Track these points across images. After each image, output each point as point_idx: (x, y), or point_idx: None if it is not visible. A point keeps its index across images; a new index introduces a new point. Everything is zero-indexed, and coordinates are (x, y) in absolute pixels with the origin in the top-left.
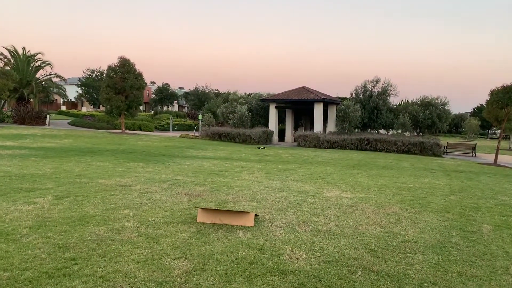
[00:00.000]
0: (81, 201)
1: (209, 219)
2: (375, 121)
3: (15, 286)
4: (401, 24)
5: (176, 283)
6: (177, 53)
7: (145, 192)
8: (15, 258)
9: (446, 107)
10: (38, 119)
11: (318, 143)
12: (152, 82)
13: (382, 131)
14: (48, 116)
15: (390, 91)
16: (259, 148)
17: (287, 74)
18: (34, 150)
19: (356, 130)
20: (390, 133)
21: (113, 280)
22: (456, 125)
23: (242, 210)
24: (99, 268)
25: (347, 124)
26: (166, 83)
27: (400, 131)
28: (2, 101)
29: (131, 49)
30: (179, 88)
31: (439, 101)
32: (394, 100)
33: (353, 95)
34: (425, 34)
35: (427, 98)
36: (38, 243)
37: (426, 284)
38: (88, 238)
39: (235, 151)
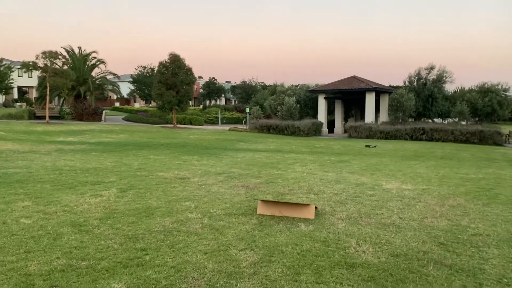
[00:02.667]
0: (144, 193)
1: (269, 211)
2: (430, 110)
3: (94, 275)
4: (453, 5)
5: (245, 274)
6: (223, 47)
7: (203, 184)
8: (90, 248)
9: (507, 94)
10: (94, 115)
11: (371, 134)
12: (200, 77)
13: (437, 120)
14: (104, 112)
15: (446, 78)
16: (368, 146)
17: (336, 64)
18: (93, 145)
19: (410, 120)
20: (446, 122)
21: (184, 270)
22: None
23: (302, 203)
24: (169, 258)
25: (400, 114)
26: (213, 78)
27: (457, 119)
28: (62, 99)
29: (178, 45)
30: (226, 82)
31: (499, 87)
32: (450, 88)
33: (407, 83)
34: (481, 14)
35: (486, 85)
36: (109, 234)
37: (505, 280)
38: (155, 229)
39: (285, 143)
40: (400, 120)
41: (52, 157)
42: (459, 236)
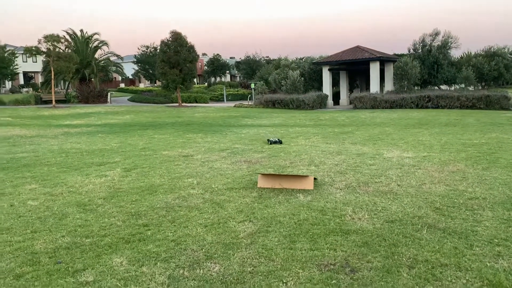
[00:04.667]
0: (148, 172)
1: (269, 184)
2: (436, 77)
3: (97, 251)
4: None
5: (243, 244)
6: (226, 22)
7: (206, 161)
8: (94, 226)
9: None
10: (100, 98)
11: (376, 104)
12: (204, 54)
13: (443, 87)
14: (109, 94)
15: (451, 44)
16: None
17: (339, 34)
18: (99, 127)
19: (416, 88)
20: (453, 88)
21: (184, 243)
22: None
23: (301, 174)
24: (170, 233)
25: (405, 82)
26: (217, 54)
27: (463, 85)
28: (67, 83)
29: (182, 23)
30: (230, 58)
31: (506, 50)
32: (455, 53)
33: (411, 50)
34: None
35: (492, 48)
36: (112, 212)
37: (496, 240)
38: (158, 205)
39: (289, 117)
40: (406, 89)
41: (58, 140)
42: (455, 200)
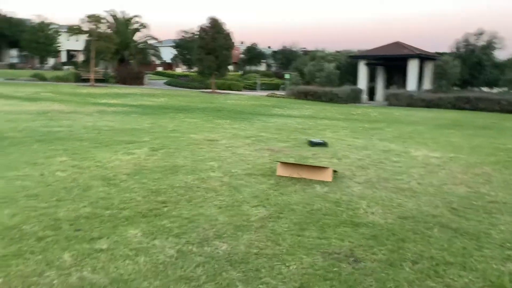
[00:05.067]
0: (173, 153)
1: (288, 173)
2: (477, 78)
3: (115, 222)
4: None
5: (253, 227)
6: (265, 11)
7: (230, 146)
8: (115, 199)
9: None
10: (137, 80)
11: (411, 102)
12: (241, 42)
13: (485, 89)
14: (146, 76)
15: (496, 44)
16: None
17: (380, 31)
18: (134, 107)
19: (455, 88)
20: (494, 91)
21: (196, 221)
22: None
23: (321, 166)
24: (185, 211)
25: (444, 82)
26: (254, 43)
27: (506, 88)
28: (106, 63)
29: (221, 8)
30: (268, 47)
31: None
32: (500, 55)
33: (453, 50)
34: None
35: None
36: (134, 187)
37: (508, 244)
38: (177, 185)
39: (320, 110)
40: (444, 89)
41: (93, 117)
42: (474, 202)
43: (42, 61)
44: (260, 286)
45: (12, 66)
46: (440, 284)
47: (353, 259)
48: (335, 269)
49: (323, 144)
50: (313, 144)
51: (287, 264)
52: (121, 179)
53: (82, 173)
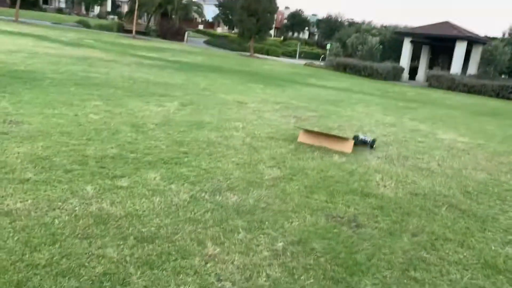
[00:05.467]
0: (201, 110)
1: (309, 140)
2: None
3: (138, 165)
4: None
5: (264, 185)
6: None
7: (257, 110)
8: (141, 145)
9: None
10: (177, 36)
11: (453, 86)
12: (286, 7)
13: None
14: (186, 33)
15: None
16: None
17: (430, 8)
18: (170, 63)
19: (502, 76)
20: None
21: (213, 173)
22: None
23: (343, 136)
24: (204, 163)
25: (491, 68)
26: (300, 9)
27: None
28: (149, 16)
29: None
30: (312, 14)
31: None
32: None
33: (506, 35)
34: None
35: None
36: (160, 136)
37: None
38: (201, 139)
39: (357, 84)
40: (490, 75)
41: (130, 68)
42: (490, 188)
43: (88, 8)
44: (261, 235)
45: (59, 11)
46: (434, 256)
47: (355, 224)
48: (335, 230)
49: (370, 144)
50: (358, 141)
51: (290, 220)
52: (149, 128)
53: (113, 118)
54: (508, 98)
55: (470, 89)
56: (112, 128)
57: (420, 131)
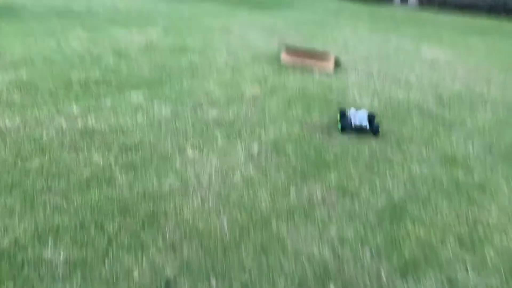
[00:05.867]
0: (185, 36)
1: (292, 60)
2: None
3: (121, 87)
4: None
5: (245, 100)
6: None
7: (243, 34)
8: (123, 69)
9: None
10: None
11: (445, 2)
12: None
13: None
14: None
15: None
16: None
17: None
18: None
19: None
20: None
21: (194, 92)
22: None
23: (325, 51)
24: (186, 83)
25: None
26: None
27: None
28: None
29: None
30: None
31: None
32: None
33: None
34: None
35: None
36: (143, 62)
37: (481, 130)
38: (184, 63)
39: (345, 7)
40: None
41: None
42: (463, 97)
43: None
44: (239, 142)
45: None
46: (399, 154)
47: (327, 130)
48: (308, 136)
49: (366, 129)
50: (348, 126)
51: (266, 129)
52: (131, 54)
53: (96, 46)
54: (500, 15)
55: (461, 7)
56: (95, 55)
57: (404, 48)
